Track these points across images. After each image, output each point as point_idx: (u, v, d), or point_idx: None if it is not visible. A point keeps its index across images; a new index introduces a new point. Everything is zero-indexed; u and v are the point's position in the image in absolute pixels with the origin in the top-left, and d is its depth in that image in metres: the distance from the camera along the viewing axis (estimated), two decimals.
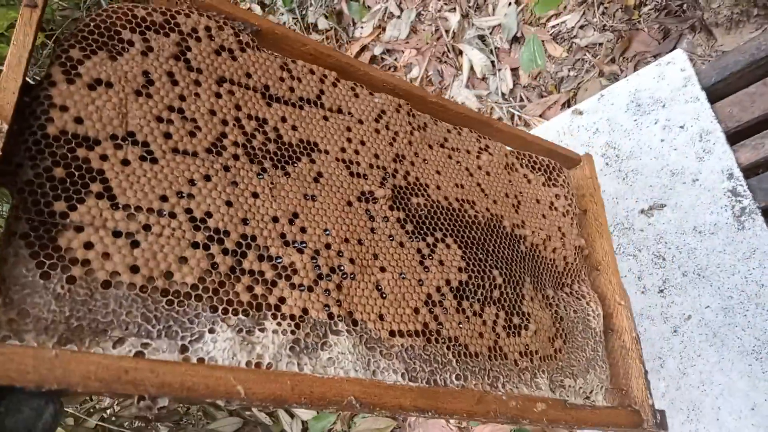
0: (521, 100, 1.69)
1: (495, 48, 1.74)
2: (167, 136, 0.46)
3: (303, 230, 0.49)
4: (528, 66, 1.59)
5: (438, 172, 0.63)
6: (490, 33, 1.75)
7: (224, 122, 0.49)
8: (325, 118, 0.57)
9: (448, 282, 0.55)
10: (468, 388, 0.51)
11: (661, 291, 1.08)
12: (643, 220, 1.17)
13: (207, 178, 0.46)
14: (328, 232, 0.50)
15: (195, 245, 0.43)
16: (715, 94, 1.14)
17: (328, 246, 0.50)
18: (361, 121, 0.59)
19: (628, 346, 0.69)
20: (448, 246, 0.58)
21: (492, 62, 1.73)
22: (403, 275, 0.53)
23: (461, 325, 0.54)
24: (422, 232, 0.57)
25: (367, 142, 0.58)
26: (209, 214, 0.45)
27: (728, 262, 1.01)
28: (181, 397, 0.37)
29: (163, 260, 0.41)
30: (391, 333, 0.49)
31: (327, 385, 0.43)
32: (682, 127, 1.15)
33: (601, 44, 1.55)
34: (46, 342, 0.36)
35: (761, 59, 1.06)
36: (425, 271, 0.55)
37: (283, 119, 0.53)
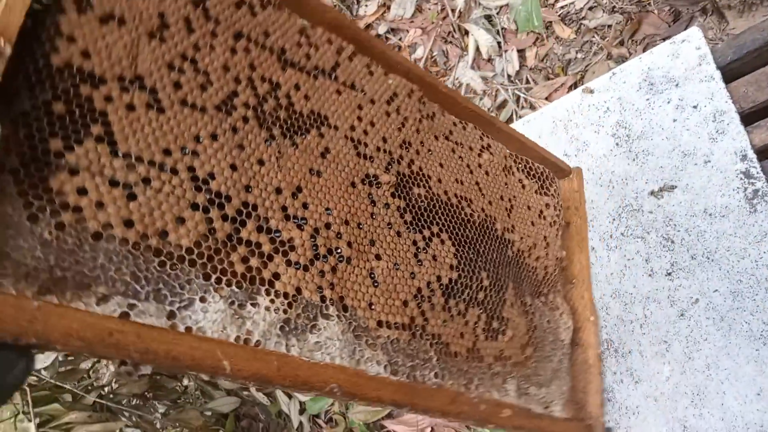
0: (527, 82, 1.64)
1: (502, 28, 1.68)
2: (177, 85, 0.43)
3: (305, 206, 0.47)
4: (524, 25, 1.56)
5: (441, 165, 0.61)
6: (497, 13, 1.70)
7: (237, 80, 0.47)
8: (338, 92, 0.54)
9: (438, 278, 0.55)
10: (444, 387, 0.51)
11: (669, 274, 1.06)
12: (653, 201, 1.15)
13: (214, 137, 0.43)
14: (329, 212, 0.49)
15: (194, 207, 0.41)
16: (730, 73, 1.11)
17: (328, 226, 0.48)
18: (372, 101, 0.57)
19: (591, 362, 0.71)
20: (442, 242, 0.57)
21: (498, 43, 1.67)
22: (397, 266, 0.52)
23: (445, 323, 0.54)
24: (420, 223, 0.56)
25: (377, 124, 0.56)
26: (212, 176, 0.42)
27: (738, 246, 0.99)
28: (164, 365, 0.36)
29: (160, 218, 0.39)
30: (379, 323, 0.48)
31: (313, 369, 0.42)
32: (695, 107, 1.12)
33: (610, 26, 1.53)
34: (25, 290, 0.33)
35: None
36: (418, 264, 0.54)
37: (297, 87, 0.51)
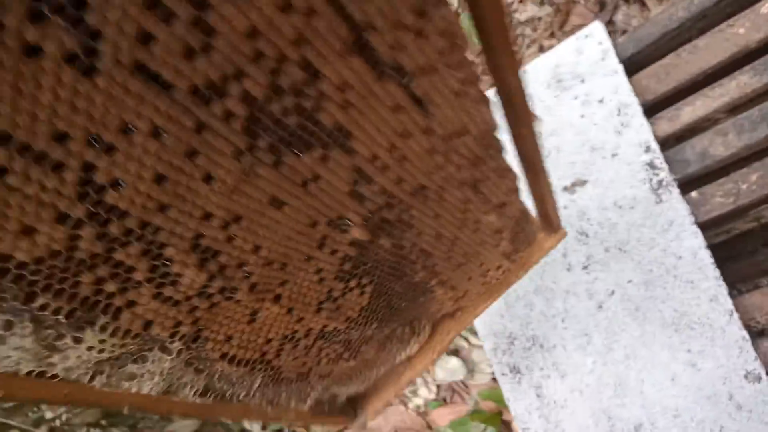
0: None
1: None
2: (147, 37, 0.23)
3: (229, 239, 0.34)
4: None
5: (436, 216, 0.48)
6: None
7: (257, 56, 0.27)
8: (396, 109, 0.36)
9: (324, 327, 0.48)
10: (248, 403, 0.49)
11: (585, 267, 1.08)
12: (566, 197, 1.14)
13: (156, 132, 0.27)
14: (258, 249, 0.36)
15: (62, 219, 0.27)
16: (632, 66, 1.11)
17: (241, 265, 0.36)
18: (428, 131, 0.39)
19: (401, 380, 0.74)
20: (362, 293, 0.48)
21: None
22: (291, 311, 0.43)
23: (296, 359, 0.49)
24: (353, 274, 0.46)
25: (408, 162, 0.40)
26: (118, 184, 0.27)
27: (648, 236, 1.02)
28: None
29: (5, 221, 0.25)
30: (223, 356, 0.42)
31: (109, 397, 0.36)
32: (600, 101, 1.11)
33: (540, 18, 1.45)
34: None
35: (673, 30, 1.04)
36: (317, 311, 0.46)
37: (343, 87, 0.32)
